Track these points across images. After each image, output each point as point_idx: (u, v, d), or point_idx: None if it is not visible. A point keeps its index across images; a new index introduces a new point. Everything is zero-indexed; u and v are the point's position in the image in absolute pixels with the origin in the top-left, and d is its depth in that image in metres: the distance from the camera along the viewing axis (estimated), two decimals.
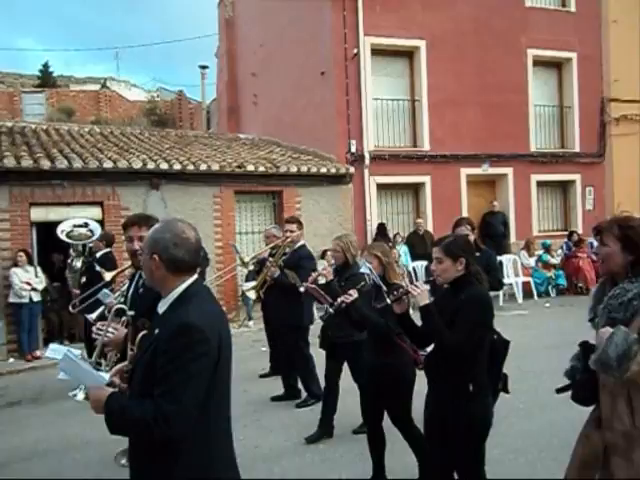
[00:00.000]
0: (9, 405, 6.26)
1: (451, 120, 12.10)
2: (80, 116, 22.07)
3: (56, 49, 77.58)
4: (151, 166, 9.50)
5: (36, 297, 8.28)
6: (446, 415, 2.79)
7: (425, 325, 2.83)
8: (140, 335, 2.37)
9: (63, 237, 7.51)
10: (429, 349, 3.03)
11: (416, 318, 2.92)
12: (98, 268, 5.93)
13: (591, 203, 13.62)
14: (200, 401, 1.86)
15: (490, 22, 12.43)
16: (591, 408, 2.44)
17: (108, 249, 7.02)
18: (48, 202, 8.88)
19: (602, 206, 13.40)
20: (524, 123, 12.93)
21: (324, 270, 4.48)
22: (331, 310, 3.93)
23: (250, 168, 10.28)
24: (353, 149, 11.62)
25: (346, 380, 4.78)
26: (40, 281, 8.36)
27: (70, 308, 5.85)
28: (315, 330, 5.57)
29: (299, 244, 5.90)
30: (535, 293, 11.70)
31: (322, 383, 5.14)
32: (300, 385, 5.84)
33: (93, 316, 4.04)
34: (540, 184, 13.25)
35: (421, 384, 3.09)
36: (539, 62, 13.16)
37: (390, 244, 11.06)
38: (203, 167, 9.90)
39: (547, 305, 11.01)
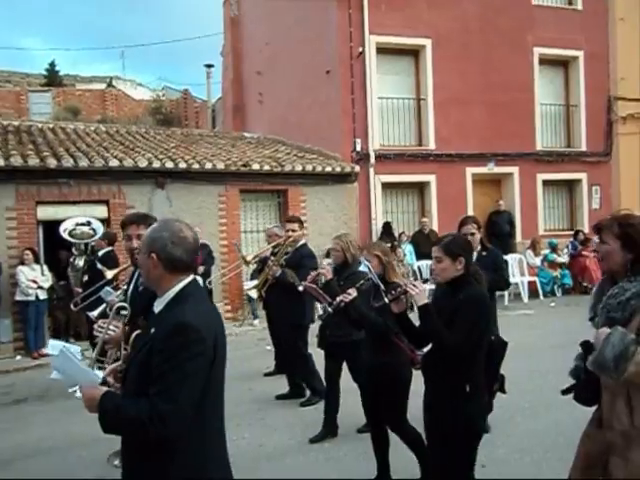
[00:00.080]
0: (15, 402, 6.30)
1: (457, 119, 12.06)
2: (86, 115, 22.14)
3: (62, 48, 77.90)
4: (157, 165, 9.53)
5: (42, 295, 8.33)
6: (443, 415, 2.79)
7: (423, 325, 2.83)
8: (134, 334, 2.37)
9: (66, 236, 7.55)
10: (426, 349, 3.02)
11: (415, 318, 2.91)
12: (100, 266, 5.96)
13: (597, 202, 13.55)
14: (196, 400, 1.87)
15: (496, 20, 12.38)
16: (594, 408, 2.43)
17: (110, 248, 7.04)
18: (54, 200, 8.93)
19: (609, 205, 13.32)
20: (530, 122, 12.87)
21: (323, 269, 4.45)
22: (330, 309, 3.93)
23: (255, 167, 10.29)
24: (358, 148, 11.61)
25: (348, 379, 4.78)
26: (46, 279, 8.40)
27: (72, 306, 5.88)
28: (315, 329, 5.58)
29: (300, 243, 5.92)
30: (541, 292, 11.66)
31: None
32: (316, 386, 5.84)
33: (95, 314, 4.06)
34: (546, 183, 13.19)
35: (418, 384, 3.08)
36: (545, 60, 13.10)
37: (395, 243, 11.05)
38: (208, 166, 9.92)
39: (553, 304, 10.97)
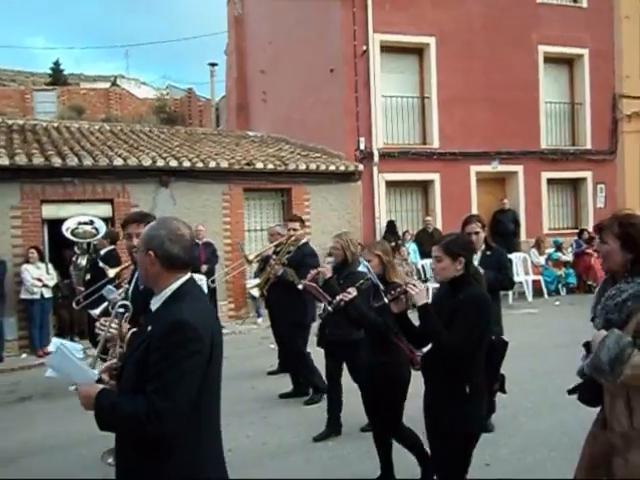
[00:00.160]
0: (20, 400, 6.33)
1: (461, 117, 12.03)
2: (90, 114, 22.20)
3: (67, 47, 78.13)
4: (160, 163, 9.54)
5: (47, 293, 8.36)
6: (443, 416, 2.79)
7: (423, 325, 2.82)
8: (131, 332, 2.38)
9: (68, 235, 7.56)
10: (425, 349, 3.02)
11: (415, 317, 2.91)
12: (101, 265, 5.97)
13: (602, 201, 13.49)
14: (193, 398, 1.87)
15: (500, 18, 12.33)
16: (599, 408, 2.43)
17: (112, 246, 7.06)
18: (59, 199, 8.96)
19: (614, 204, 13.25)
20: (534, 120, 12.83)
21: (323, 268, 4.44)
22: (330, 308, 3.92)
23: (259, 165, 10.30)
24: (362, 146, 11.59)
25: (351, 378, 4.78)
26: (51, 277, 8.43)
27: (74, 304, 5.89)
28: (315, 328, 5.58)
29: (302, 242, 5.93)
30: (545, 291, 11.63)
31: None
32: (317, 383, 5.84)
33: (97, 312, 4.07)
34: (551, 182, 13.15)
35: (418, 385, 3.07)
36: (550, 59, 13.04)
37: (399, 242, 11.05)
38: (212, 164, 9.93)
39: (557, 303, 10.94)
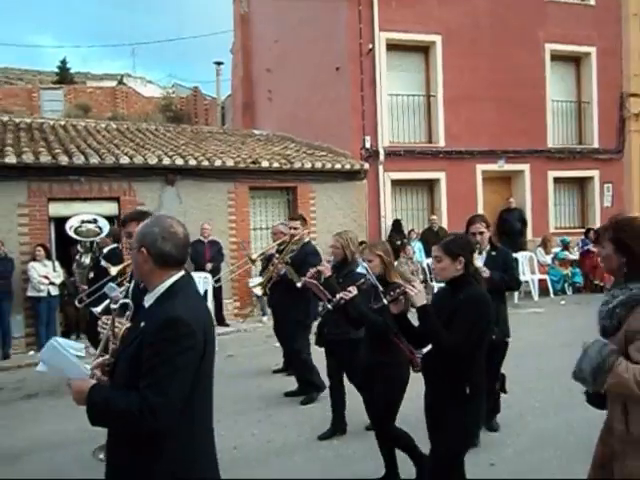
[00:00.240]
0: (27, 397, 6.36)
1: (467, 116, 11.99)
2: (97, 112, 22.28)
3: (73, 46, 78.39)
4: (166, 162, 9.57)
5: (54, 291, 8.40)
6: (443, 416, 2.78)
7: (422, 325, 2.82)
8: (124, 328, 2.39)
9: (71, 233, 7.58)
10: (425, 350, 3.01)
11: (414, 318, 2.90)
12: (104, 263, 5.99)
13: (609, 200, 13.41)
14: (186, 394, 1.88)
15: (507, 16, 12.27)
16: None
17: (115, 245, 7.08)
18: (66, 197, 9.00)
19: (621, 203, 13.20)
20: (541, 119, 12.77)
21: (322, 267, 4.42)
22: (329, 306, 3.91)
23: (265, 164, 10.30)
24: (368, 145, 11.57)
25: None
26: (58, 275, 8.47)
27: (76, 303, 5.91)
28: (313, 327, 5.60)
29: (304, 240, 5.91)
30: (551, 291, 11.58)
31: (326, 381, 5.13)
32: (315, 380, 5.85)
33: (98, 309, 4.09)
34: (557, 180, 13.09)
35: (418, 386, 3.06)
36: (557, 57, 12.98)
37: (405, 240, 11.04)
38: (218, 163, 9.94)
39: (563, 303, 10.90)
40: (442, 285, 3.05)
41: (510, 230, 12.14)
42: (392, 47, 11.84)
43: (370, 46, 11.53)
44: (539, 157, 12.74)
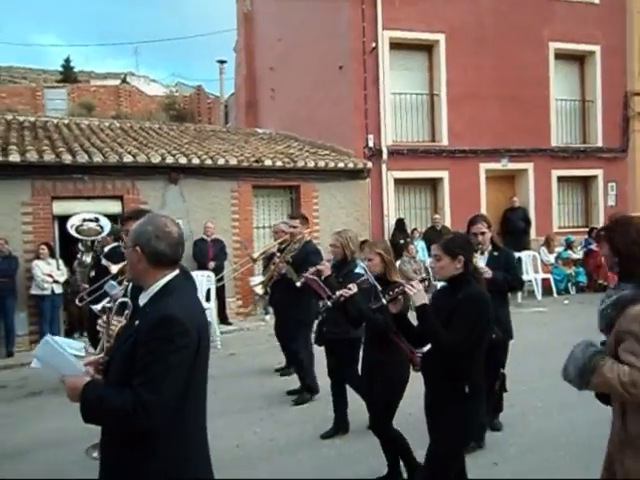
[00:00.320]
0: (31, 395, 6.39)
1: (470, 114, 11.96)
2: (100, 111, 22.33)
3: (77, 45, 78.57)
4: (170, 160, 9.58)
5: (58, 289, 8.42)
6: (442, 415, 2.78)
7: (421, 325, 2.82)
8: (119, 327, 2.39)
9: (72, 232, 7.59)
10: (425, 349, 3.00)
11: (413, 317, 2.90)
12: (105, 262, 6.00)
13: (613, 199, 13.37)
14: (179, 392, 1.89)
15: (511, 15, 12.24)
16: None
17: (116, 243, 7.09)
18: (69, 196, 9.01)
19: (625, 202, 13.15)
20: (545, 117, 12.73)
21: (322, 266, 4.42)
22: (329, 303, 3.90)
23: (268, 163, 10.31)
24: (371, 144, 11.56)
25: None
26: (62, 273, 8.49)
27: (77, 301, 5.92)
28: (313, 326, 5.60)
29: (305, 239, 5.86)
30: (554, 290, 11.56)
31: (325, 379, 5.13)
32: (318, 379, 5.85)
33: (98, 307, 4.09)
34: (561, 179, 13.05)
35: (419, 385, 3.06)
36: (561, 55, 12.93)
37: (408, 239, 11.03)
38: (221, 161, 9.95)
39: (566, 302, 10.87)
40: (443, 284, 3.05)
41: (514, 229, 12.12)
42: (395, 46, 11.82)
43: (373, 44, 11.51)
44: (543, 156, 12.71)
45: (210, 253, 9.42)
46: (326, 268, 4.30)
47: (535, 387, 5.57)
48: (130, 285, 3.21)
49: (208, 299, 8.61)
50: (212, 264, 9.25)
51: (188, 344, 1.91)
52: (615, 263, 2.26)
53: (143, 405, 1.81)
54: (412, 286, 2.79)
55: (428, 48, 12.26)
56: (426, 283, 3.11)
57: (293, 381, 6.05)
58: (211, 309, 8.46)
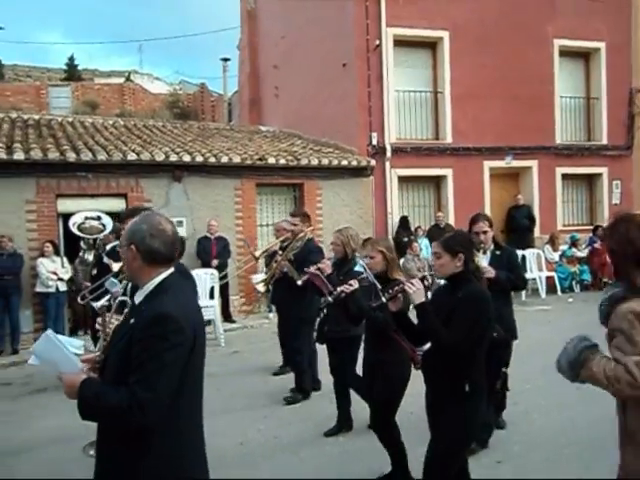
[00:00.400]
0: (35, 392, 6.42)
1: (474, 112, 11.93)
2: (104, 109, 22.36)
3: (81, 42, 78.69)
4: (174, 158, 9.59)
5: (62, 287, 8.45)
6: (443, 414, 2.78)
7: (421, 323, 2.81)
8: (115, 325, 2.40)
9: (74, 230, 7.60)
10: (426, 347, 2.99)
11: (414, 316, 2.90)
12: (106, 260, 6.01)
13: (618, 197, 13.31)
14: (174, 390, 1.89)
15: (515, 11, 12.18)
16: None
17: (118, 241, 7.11)
18: (74, 194, 9.04)
19: (630, 200, 13.10)
20: (549, 115, 12.68)
21: (323, 264, 4.41)
22: (330, 299, 3.90)
23: (271, 161, 10.30)
24: (374, 141, 11.55)
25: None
26: (66, 271, 8.52)
27: (79, 299, 5.93)
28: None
29: (307, 238, 5.82)
30: (559, 288, 11.53)
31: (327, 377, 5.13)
32: (320, 376, 5.86)
33: (99, 304, 4.10)
34: (565, 177, 13.00)
35: (421, 384, 3.06)
36: (565, 52, 12.87)
37: (412, 237, 11.01)
38: (225, 159, 9.96)
39: (570, 300, 10.84)
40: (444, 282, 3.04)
41: (518, 227, 12.09)
42: (399, 43, 11.79)
43: (377, 42, 11.49)
44: (547, 154, 12.66)
45: (214, 251, 9.44)
46: (327, 266, 4.29)
47: (539, 385, 5.56)
48: (130, 284, 3.22)
49: (212, 297, 8.63)
50: (215, 262, 9.26)
51: (183, 342, 1.91)
52: (611, 261, 2.27)
53: (138, 403, 1.81)
54: (412, 284, 2.78)
55: (432, 46, 12.22)
56: (430, 280, 3.10)
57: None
58: (215, 307, 8.48)
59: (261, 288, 6.45)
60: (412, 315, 2.99)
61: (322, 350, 5.23)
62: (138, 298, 2.06)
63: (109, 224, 7.68)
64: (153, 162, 9.40)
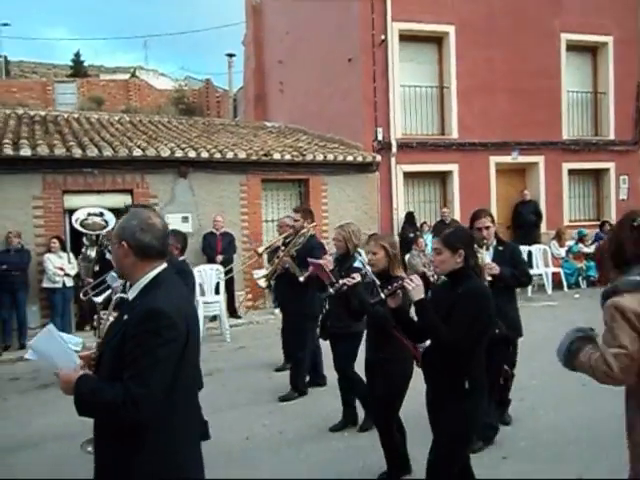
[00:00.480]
0: (42, 387, 6.45)
1: (480, 107, 11.87)
2: (110, 105, 22.42)
3: (86, 38, 78.86)
4: (179, 154, 9.61)
5: (69, 282, 8.49)
6: (443, 411, 2.77)
7: (420, 320, 2.79)
8: (109, 322, 2.41)
9: (77, 226, 7.62)
10: (427, 344, 2.98)
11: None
12: (108, 256, 6.03)
13: (625, 192, 13.22)
14: (168, 385, 1.90)
15: (521, 6, 12.09)
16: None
17: None
18: (80, 190, 9.07)
19: (637, 196, 13.01)
20: (556, 110, 12.60)
21: (324, 260, 4.38)
22: (332, 291, 3.89)
23: (276, 156, 10.30)
24: (380, 137, 11.51)
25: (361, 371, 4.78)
26: (73, 267, 8.56)
27: (81, 295, 5.95)
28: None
29: (309, 234, 5.78)
30: (565, 284, 11.48)
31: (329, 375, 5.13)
32: (325, 372, 5.87)
33: (99, 299, 4.11)
34: (572, 173, 12.93)
35: (420, 383, 3.06)
36: (572, 46, 12.77)
37: (418, 233, 10.99)
38: (230, 155, 9.96)
39: (577, 296, 10.79)
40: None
41: (525, 223, 12.04)
42: (405, 38, 11.74)
43: (383, 37, 11.44)
44: (554, 149, 12.59)
45: (219, 247, 9.46)
46: (328, 262, 4.29)
47: (545, 381, 5.54)
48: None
49: (217, 292, 8.65)
50: (219, 257, 9.28)
51: (176, 337, 1.92)
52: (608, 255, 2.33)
53: (132, 398, 1.82)
54: (411, 280, 2.77)
55: (438, 40, 12.16)
56: (436, 277, 3.09)
57: None
58: (220, 302, 8.50)
59: (262, 283, 6.45)
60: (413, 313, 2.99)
61: (327, 346, 5.24)
62: (132, 294, 2.06)
63: (111, 220, 7.70)
64: (159, 158, 9.42)
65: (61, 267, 8.39)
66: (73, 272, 8.55)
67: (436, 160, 11.85)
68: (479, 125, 11.91)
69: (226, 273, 8.76)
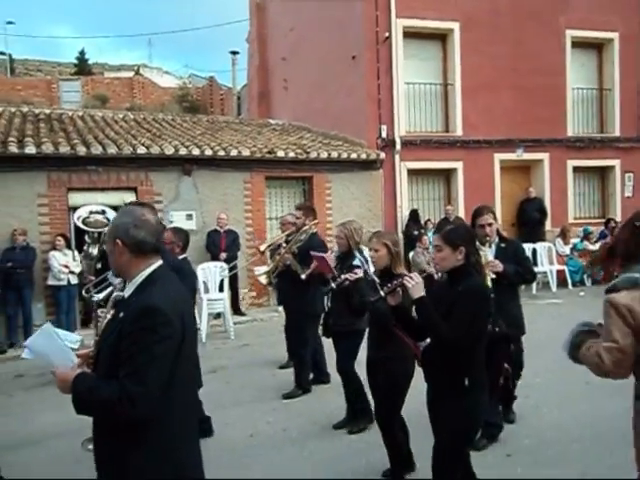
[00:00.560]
0: (49, 384, 6.47)
1: (485, 104, 11.82)
2: (114, 103, 22.47)
3: (90, 36, 78.99)
4: (183, 152, 9.62)
5: (74, 280, 8.53)
6: (443, 410, 2.77)
7: (420, 318, 2.79)
8: (106, 320, 2.41)
9: (79, 223, 7.64)
10: (427, 342, 2.98)
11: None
12: None
13: (630, 190, 13.15)
14: (164, 382, 1.90)
15: (527, 2, 12.03)
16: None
17: None
18: (84, 187, 9.10)
19: None
20: (561, 107, 12.54)
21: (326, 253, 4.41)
22: (333, 285, 3.89)
23: (280, 154, 10.30)
24: (384, 134, 11.49)
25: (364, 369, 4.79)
26: (77, 264, 8.59)
27: (83, 292, 5.97)
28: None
29: (311, 232, 5.76)
30: (570, 282, 11.44)
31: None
32: (329, 369, 5.87)
33: (100, 296, 4.12)
34: (577, 170, 12.86)
35: (420, 382, 3.06)
36: (578, 43, 12.70)
37: (422, 230, 10.97)
38: (234, 153, 9.97)
39: (581, 294, 10.76)
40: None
41: (529, 220, 12.00)
42: (409, 35, 11.70)
43: (387, 34, 11.40)
44: (559, 146, 12.53)
45: (223, 244, 9.47)
46: (330, 260, 4.29)
47: (549, 379, 5.53)
48: None
49: (221, 290, 8.66)
50: (223, 255, 9.29)
51: (172, 334, 1.92)
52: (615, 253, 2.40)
53: (129, 396, 1.82)
54: (410, 278, 2.76)
55: (442, 37, 12.11)
56: (439, 275, 3.08)
57: None
58: (224, 300, 8.52)
59: (263, 280, 6.45)
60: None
61: (330, 344, 5.25)
62: (128, 291, 2.06)
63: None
64: (163, 156, 9.43)
65: (66, 265, 8.42)
66: (78, 270, 8.58)
67: (440, 157, 11.82)
68: (483, 122, 11.87)
69: (230, 270, 8.78)
